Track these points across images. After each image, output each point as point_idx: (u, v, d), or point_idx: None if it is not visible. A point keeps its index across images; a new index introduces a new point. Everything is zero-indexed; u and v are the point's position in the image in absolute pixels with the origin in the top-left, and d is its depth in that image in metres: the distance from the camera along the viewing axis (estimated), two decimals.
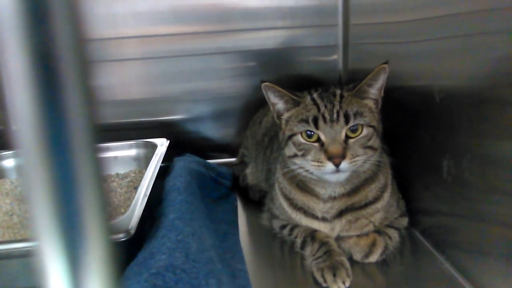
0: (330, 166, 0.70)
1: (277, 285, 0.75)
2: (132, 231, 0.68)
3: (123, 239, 0.67)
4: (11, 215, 0.92)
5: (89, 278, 0.21)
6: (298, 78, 1.22)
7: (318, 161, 0.72)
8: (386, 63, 0.74)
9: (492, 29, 0.59)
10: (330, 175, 0.73)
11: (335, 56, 1.22)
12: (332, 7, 1.18)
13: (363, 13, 1.09)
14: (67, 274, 0.20)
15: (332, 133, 0.71)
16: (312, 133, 0.73)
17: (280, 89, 0.77)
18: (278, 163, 0.87)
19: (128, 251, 0.70)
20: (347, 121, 0.71)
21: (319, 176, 0.74)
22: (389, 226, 0.81)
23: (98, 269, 0.21)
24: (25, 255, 0.65)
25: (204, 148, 1.22)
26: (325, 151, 0.71)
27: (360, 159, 0.72)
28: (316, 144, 0.72)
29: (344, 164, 0.70)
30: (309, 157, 0.73)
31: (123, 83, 1.19)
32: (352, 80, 1.18)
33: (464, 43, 0.66)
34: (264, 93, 0.78)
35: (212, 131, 1.24)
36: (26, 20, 0.18)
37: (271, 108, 0.80)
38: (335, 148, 0.70)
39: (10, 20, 0.18)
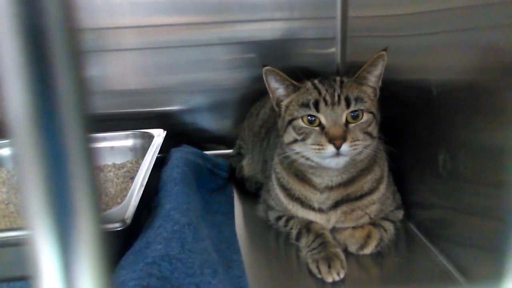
0: (330, 148, 0.70)
1: (272, 276, 0.75)
2: (128, 221, 0.69)
3: (119, 229, 0.67)
4: (8, 204, 0.92)
5: (80, 266, 0.21)
6: (295, 71, 1.20)
7: (318, 144, 0.71)
8: (385, 50, 0.74)
9: (489, 23, 0.59)
10: (330, 159, 0.72)
11: (333, 49, 1.22)
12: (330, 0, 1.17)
13: (361, 6, 1.09)
14: (59, 262, 0.20)
15: (333, 116, 0.71)
16: (314, 118, 0.73)
17: (281, 73, 0.77)
18: (275, 153, 0.87)
19: (124, 240, 0.70)
20: (348, 104, 0.72)
21: (318, 161, 0.74)
22: (385, 218, 0.82)
23: (89, 257, 0.21)
24: (22, 244, 0.66)
25: (201, 139, 1.23)
26: (326, 134, 0.71)
27: (360, 144, 0.71)
28: (317, 128, 0.72)
29: (344, 147, 0.70)
30: (309, 141, 0.72)
31: (120, 73, 1.19)
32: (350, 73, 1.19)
33: (461, 37, 0.66)
34: (265, 78, 0.78)
35: (209, 122, 1.24)
36: (18, 9, 0.18)
37: (271, 96, 0.80)
38: (336, 130, 0.70)
39: (2, 8, 0.18)
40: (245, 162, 1.07)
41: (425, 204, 0.82)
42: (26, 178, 0.20)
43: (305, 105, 0.73)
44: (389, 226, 0.80)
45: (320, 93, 0.73)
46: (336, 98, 0.72)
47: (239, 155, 1.12)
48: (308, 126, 0.73)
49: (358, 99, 0.72)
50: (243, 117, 1.16)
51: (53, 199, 0.20)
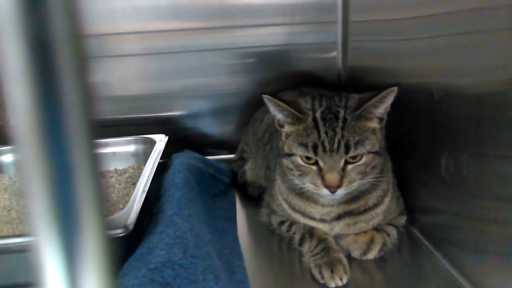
0: (326, 191, 0.71)
1: (275, 281, 0.75)
2: (131, 227, 0.68)
3: (121, 235, 0.67)
4: (10, 210, 0.92)
5: (86, 273, 0.21)
6: (297, 75, 1.22)
7: (314, 185, 0.72)
8: (396, 85, 0.71)
9: (490, 27, 0.59)
10: (326, 196, 0.74)
11: (334, 53, 1.22)
12: (331, 4, 1.18)
13: (362, 10, 1.09)
14: (63, 269, 0.20)
15: (330, 162, 0.70)
16: (311, 158, 0.72)
17: (280, 103, 0.74)
18: (278, 165, 0.86)
19: (126, 246, 0.70)
20: (347, 151, 0.70)
21: (316, 193, 0.75)
22: (388, 223, 0.81)
23: (95, 264, 0.21)
24: (24, 250, 0.65)
25: (202, 144, 1.23)
26: (322, 178, 0.71)
27: (356, 184, 0.72)
28: (314, 168, 0.72)
29: (339, 191, 0.71)
30: (307, 179, 0.73)
31: (121, 79, 1.19)
32: (351, 78, 1.19)
33: (462, 41, 0.66)
34: (265, 102, 0.76)
35: (211, 127, 1.24)
36: (22, 14, 0.18)
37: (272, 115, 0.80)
38: (332, 178, 0.70)
39: (7, 15, 0.18)
40: (248, 167, 1.07)
41: (428, 209, 0.82)
42: (30, 184, 0.20)
43: (304, 146, 0.72)
44: (392, 231, 0.80)
45: (319, 136, 0.71)
46: (335, 145, 0.70)
47: (242, 159, 1.12)
48: (305, 165, 0.73)
49: (358, 143, 0.70)
50: (245, 122, 1.16)
51: (58, 205, 0.20)
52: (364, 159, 0.71)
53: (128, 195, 0.95)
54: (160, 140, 1.06)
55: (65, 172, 0.20)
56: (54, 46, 0.18)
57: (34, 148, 0.19)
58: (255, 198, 1.00)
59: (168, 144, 1.05)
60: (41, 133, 0.19)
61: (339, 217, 0.78)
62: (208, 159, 1.10)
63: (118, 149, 1.10)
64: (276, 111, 0.76)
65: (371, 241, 0.77)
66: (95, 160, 0.20)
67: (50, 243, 0.20)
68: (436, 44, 0.74)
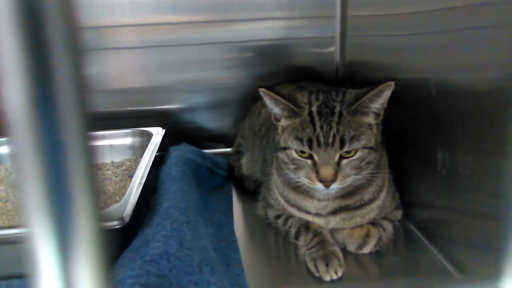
0: (320, 186, 0.71)
1: (270, 274, 0.75)
2: (127, 219, 0.69)
3: (117, 227, 0.67)
4: (6, 201, 0.92)
5: (79, 264, 0.21)
6: (295, 70, 1.21)
7: (309, 179, 0.72)
8: (393, 80, 0.70)
9: (488, 23, 0.59)
10: (320, 190, 0.74)
11: (332, 48, 1.22)
12: None
13: (361, 5, 1.09)
14: (57, 260, 0.20)
15: (325, 157, 0.70)
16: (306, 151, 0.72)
17: (276, 96, 0.74)
18: (274, 159, 0.87)
19: (122, 238, 0.70)
20: (342, 145, 0.70)
21: (311, 187, 0.75)
22: (384, 218, 0.82)
23: (88, 256, 0.21)
24: (20, 241, 0.66)
25: (200, 137, 1.23)
26: (317, 172, 0.71)
27: (350, 179, 0.72)
28: (309, 162, 0.72)
29: (334, 186, 0.71)
30: (302, 172, 0.73)
31: (119, 71, 1.19)
32: (349, 73, 1.19)
33: (460, 37, 0.66)
34: (262, 96, 0.76)
35: (208, 121, 1.24)
36: (18, 6, 0.18)
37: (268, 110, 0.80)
38: (326, 172, 0.70)
39: (3, 9, 0.17)
40: (244, 161, 1.07)
41: (424, 204, 0.82)
42: (25, 176, 0.20)
43: (299, 140, 0.72)
44: (388, 226, 0.80)
45: (315, 131, 0.71)
46: (330, 140, 0.70)
47: (238, 153, 1.12)
48: (300, 158, 0.73)
49: (354, 138, 0.70)
50: (242, 116, 1.16)
51: (52, 197, 0.20)
52: (359, 154, 0.71)
53: (124, 187, 0.95)
54: (157, 133, 1.06)
55: (60, 165, 0.20)
56: (49, 37, 0.18)
57: (28, 139, 0.19)
58: (252, 191, 1.00)
59: (165, 137, 1.05)
60: (35, 125, 0.19)
61: (334, 212, 0.79)
62: (205, 153, 1.10)
63: (115, 142, 1.10)
64: (272, 105, 0.76)
65: (367, 235, 0.78)
66: (90, 153, 0.20)
67: (44, 234, 0.20)
68: (434, 40, 0.74)
